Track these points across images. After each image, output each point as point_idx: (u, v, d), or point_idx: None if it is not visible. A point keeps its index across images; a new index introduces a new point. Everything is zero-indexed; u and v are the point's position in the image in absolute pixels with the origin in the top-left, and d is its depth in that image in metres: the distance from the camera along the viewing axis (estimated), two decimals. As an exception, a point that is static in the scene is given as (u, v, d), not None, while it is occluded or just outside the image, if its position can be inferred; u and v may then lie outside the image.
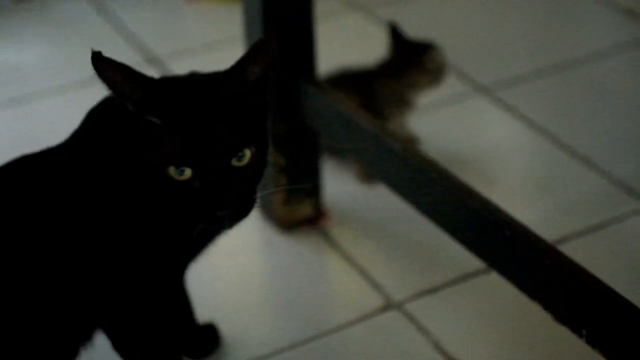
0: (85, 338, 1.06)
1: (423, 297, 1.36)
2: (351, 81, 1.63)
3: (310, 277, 1.42)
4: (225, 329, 1.31)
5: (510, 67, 1.91)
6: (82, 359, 1.07)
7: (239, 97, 0.95)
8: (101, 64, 0.94)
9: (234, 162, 0.94)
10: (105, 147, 1.01)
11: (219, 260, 1.40)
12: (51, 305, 0.99)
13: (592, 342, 1.02)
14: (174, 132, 0.92)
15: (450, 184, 1.18)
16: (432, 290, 1.37)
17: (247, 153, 0.94)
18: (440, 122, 1.76)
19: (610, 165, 1.60)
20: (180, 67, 1.94)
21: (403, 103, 1.62)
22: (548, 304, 1.07)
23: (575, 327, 1.04)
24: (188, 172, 0.93)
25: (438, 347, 1.28)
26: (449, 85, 1.76)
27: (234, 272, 1.43)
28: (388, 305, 1.35)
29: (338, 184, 1.59)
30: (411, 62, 1.61)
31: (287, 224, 1.49)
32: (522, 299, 1.10)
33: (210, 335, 1.29)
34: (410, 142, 1.63)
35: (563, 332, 1.05)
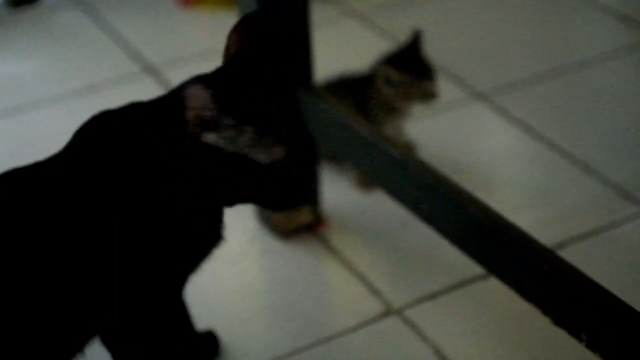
0: (79, 349, 1.05)
1: (423, 303, 1.36)
2: (347, 87, 1.63)
3: (310, 283, 1.42)
4: (225, 336, 1.31)
5: (507, 73, 1.92)
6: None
7: None
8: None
9: None
10: (118, 164, 1.00)
11: (219, 268, 1.39)
12: (50, 318, 0.99)
13: (591, 346, 1.02)
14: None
15: (449, 190, 1.18)
16: (432, 296, 1.37)
17: None
18: (438, 129, 1.76)
19: (608, 170, 1.60)
20: (177, 76, 1.94)
21: (393, 110, 1.62)
22: (547, 309, 1.07)
23: (574, 331, 1.04)
24: None
25: (438, 353, 1.28)
26: (447, 91, 1.77)
27: (234, 279, 1.43)
28: (388, 312, 1.35)
29: (336, 190, 1.60)
30: (372, 75, 1.61)
31: (286, 231, 1.49)
32: (522, 304, 1.10)
33: (210, 343, 1.29)
34: (407, 149, 1.63)
35: (563, 336, 1.05)
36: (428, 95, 1.59)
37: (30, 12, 2.27)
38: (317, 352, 1.29)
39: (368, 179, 1.57)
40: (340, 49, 2.01)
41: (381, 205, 1.53)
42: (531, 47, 2.02)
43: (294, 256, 1.47)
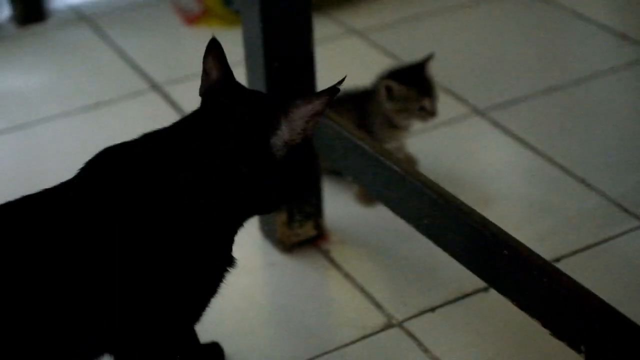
0: None
1: (424, 315, 1.37)
2: (349, 102, 1.64)
3: (312, 296, 1.43)
4: (229, 348, 1.31)
5: (506, 89, 1.93)
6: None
7: None
8: None
9: None
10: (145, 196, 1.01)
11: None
12: (63, 335, 0.99)
13: (590, 357, 1.02)
14: None
15: (449, 204, 1.19)
16: (433, 309, 1.38)
17: None
18: (439, 144, 1.77)
19: (605, 185, 1.61)
20: (181, 93, 1.97)
21: (394, 125, 1.62)
22: (547, 321, 1.07)
23: (574, 343, 1.04)
24: None
25: (439, 365, 1.29)
26: (447, 107, 1.78)
27: (237, 292, 1.44)
28: (389, 324, 1.36)
29: (338, 204, 1.61)
30: (374, 90, 1.62)
31: (289, 245, 1.51)
32: (521, 316, 1.11)
33: (214, 355, 1.29)
34: (408, 163, 1.64)
35: (562, 348, 1.06)
36: (427, 113, 1.61)
37: (36, 30, 2.29)
38: (319, 363, 1.30)
39: (369, 193, 1.58)
40: (342, 66, 2.02)
41: (382, 219, 1.54)
42: (529, 64, 2.03)
43: (296, 269, 1.48)
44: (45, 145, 1.84)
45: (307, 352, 1.32)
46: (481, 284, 1.36)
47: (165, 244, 1.00)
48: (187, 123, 1.06)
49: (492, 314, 1.36)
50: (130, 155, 1.03)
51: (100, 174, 1.03)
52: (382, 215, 1.53)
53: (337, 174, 1.62)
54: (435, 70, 1.64)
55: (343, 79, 1.02)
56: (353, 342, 1.33)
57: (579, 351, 1.04)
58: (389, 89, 1.58)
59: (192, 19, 2.26)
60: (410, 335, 1.34)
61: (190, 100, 1.91)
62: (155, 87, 2.00)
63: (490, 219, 1.16)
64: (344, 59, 2.08)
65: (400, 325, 1.36)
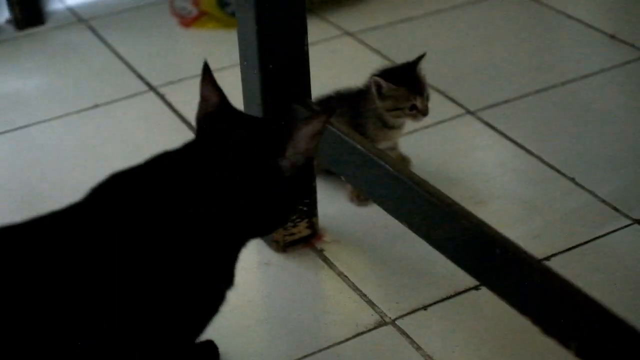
0: None
1: (416, 313, 1.38)
2: (342, 103, 1.64)
3: (306, 295, 1.44)
4: (223, 347, 1.32)
5: (497, 89, 1.93)
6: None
7: None
8: None
9: None
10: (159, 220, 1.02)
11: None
12: (65, 349, 0.98)
13: (580, 354, 1.03)
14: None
15: (441, 203, 1.19)
16: (425, 307, 1.39)
17: None
18: (431, 144, 1.78)
19: (595, 184, 1.62)
20: (178, 95, 1.97)
21: (386, 125, 1.63)
22: (538, 319, 1.08)
23: (564, 340, 1.05)
24: None
25: (431, 362, 1.30)
26: (439, 107, 1.79)
27: (231, 290, 1.45)
28: (382, 322, 1.37)
29: (332, 203, 1.61)
30: (366, 89, 1.63)
31: (283, 244, 1.52)
32: (513, 314, 1.12)
33: (208, 353, 1.30)
34: (401, 163, 1.65)
35: (552, 345, 1.06)
36: (418, 112, 1.61)
37: (34, 32, 2.29)
38: (313, 361, 1.31)
39: (363, 193, 1.59)
40: (335, 67, 2.03)
41: (375, 218, 1.55)
42: (520, 65, 2.04)
43: (291, 268, 1.49)
44: (44, 146, 1.84)
45: (300, 350, 1.33)
46: (473, 282, 1.37)
47: (172, 267, 1.02)
48: (195, 148, 1.07)
49: (484, 312, 1.37)
50: (140, 183, 1.05)
51: (108, 199, 1.04)
52: (375, 215, 1.54)
53: (330, 173, 1.62)
54: (428, 71, 1.64)
55: (335, 111, 1.12)
56: (346, 340, 1.34)
57: (569, 348, 1.04)
58: (378, 86, 1.59)
59: (188, 21, 2.27)
60: (403, 333, 1.35)
61: (186, 102, 1.93)
62: (152, 89, 2.01)
63: (482, 218, 1.16)
64: (337, 60, 2.09)
65: (393, 323, 1.37)
